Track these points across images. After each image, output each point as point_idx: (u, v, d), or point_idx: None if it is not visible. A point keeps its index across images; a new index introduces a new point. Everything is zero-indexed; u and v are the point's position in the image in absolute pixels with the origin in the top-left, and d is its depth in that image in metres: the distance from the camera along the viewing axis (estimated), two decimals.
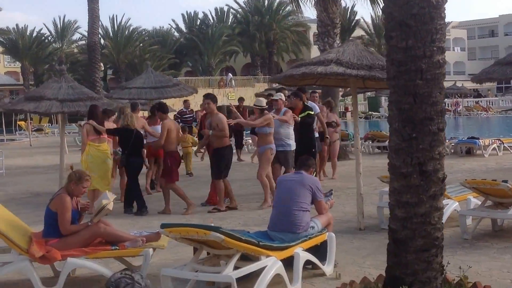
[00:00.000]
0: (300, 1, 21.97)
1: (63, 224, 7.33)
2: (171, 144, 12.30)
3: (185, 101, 22.95)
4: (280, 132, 12.51)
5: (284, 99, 13.27)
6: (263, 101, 12.72)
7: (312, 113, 13.50)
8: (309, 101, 14.59)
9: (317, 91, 14.48)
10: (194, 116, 22.79)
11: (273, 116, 12.41)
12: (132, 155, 12.53)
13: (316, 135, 14.29)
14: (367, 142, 23.12)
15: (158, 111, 13.15)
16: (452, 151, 21.50)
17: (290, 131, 12.65)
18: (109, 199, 7.53)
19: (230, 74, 65.55)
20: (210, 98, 12.18)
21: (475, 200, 10.30)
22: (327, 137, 15.29)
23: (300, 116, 13.17)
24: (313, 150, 13.20)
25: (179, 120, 20.67)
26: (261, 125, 12.37)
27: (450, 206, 9.71)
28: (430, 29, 6.07)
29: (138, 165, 12.73)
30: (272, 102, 13.39)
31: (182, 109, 22.81)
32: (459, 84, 53.14)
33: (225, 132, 12.00)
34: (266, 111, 12.46)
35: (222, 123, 11.95)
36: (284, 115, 12.59)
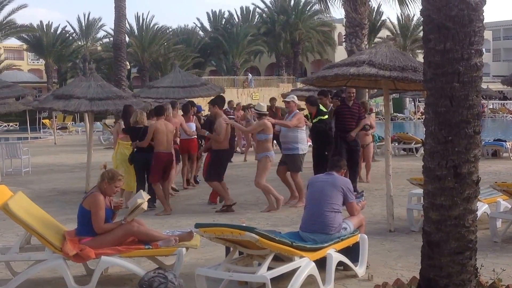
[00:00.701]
0: (328, 1, 21.89)
1: (97, 223, 7.38)
2: (158, 145, 12.30)
3: (229, 102, 23.09)
4: (288, 136, 12.37)
5: (297, 101, 12.94)
6: (264, 106, 12.63)
7: (325, 117, 13.18)
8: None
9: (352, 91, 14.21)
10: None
11: (268, 120, 12.23)
12: (138, 151, 12.52)
13: None
14: (393, 144, 22.99)
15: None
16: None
17: (300, 134, 12.39)
18: (144, 198, 7.57)
19: (250, 75, 65.36)
20: (212, 102, 12.42)
21: (504, 203, 10.27)
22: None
23: (313, 121, 13.12)
24: (327, 154, 12.95)
25: None
26: (254, 131, 12.40)
27: (480, 208, 9.64)
28: (468, 32, 6.04)
29: (143, 161, 12.59)
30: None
31: (226, 109, 22.88)
32: (484, 86, 52.63)
33: (220, 137, 12.05)
34: (266, 117, 12.30)
35: (220, 127, 12.06)
36: (293, 118, 12.40)
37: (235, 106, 23.05)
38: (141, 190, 8.08)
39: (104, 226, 7.42)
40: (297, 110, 12.71)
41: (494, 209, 10.12)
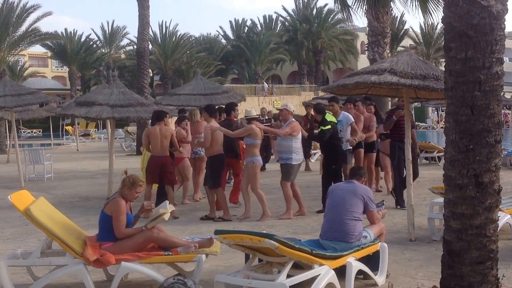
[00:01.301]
0: (351, 10, 21.90)
1: (118, 228, 7.43)
2: (152, 149, 12.88)
3: (262, 108, 23.23)
4: (282, 145, 12.20)
5: (292, 110, 12.53)
6: (252, 111, 12.65)
7: (326, 128, 12.72)
8: (342, 111, 14.11)
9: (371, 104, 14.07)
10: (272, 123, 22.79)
11: (256, 125, 12.20)
12: None
13: (348, 147, 13.68)
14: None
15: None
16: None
17: (294, 143, 12.11)
18: (167, 209, 7.62)
19: (265, 83, 64.97)
20: (204, 108, 12.90)
21: None
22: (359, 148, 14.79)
23: (319, 130, 12.99)
24: (333, 164, 12.80)
25: None
26: (239, 135, 12.45)
27: (502, 218, 9.55)
28: (490, 40, 6.04)
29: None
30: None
31: (259, 116, 22.90)
32: (508, 95, 52.33)
33: (205, 142, 12.26)
34: (255, 122, 12.33)
35: (205, 132, 12.28)
36: (287, 126, 12.19)
37: (266, 113, 23.02)
38: (167, 201, 8.13)
39: (125, 231, 7.46)
40: (293, 119, 12.45)
41: None
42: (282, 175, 12.29)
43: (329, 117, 12.94)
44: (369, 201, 7.64)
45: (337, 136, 13.06)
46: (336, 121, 13.07)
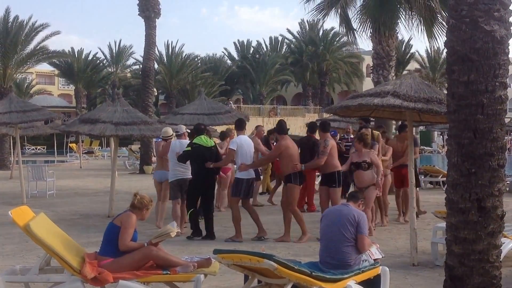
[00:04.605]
0: (356, 33, 21.98)
1: (123, 239, 7.43)
2: None
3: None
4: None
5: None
6: (168, 131, 13.61)
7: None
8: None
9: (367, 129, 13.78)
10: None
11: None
12: None
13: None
14: (419, 177, 22.81)
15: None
16: (508, 189, 21.06)
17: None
18: (174, 229, 7.71)
19: (230, 103, 61.76)
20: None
21: None
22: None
23: None
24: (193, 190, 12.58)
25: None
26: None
27: (507, 244, 9.47)
28: (493, 64, 6.04)
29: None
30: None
31: None
32: None
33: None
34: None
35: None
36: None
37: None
38: (174, 222, 8.27)
39: (128, 243, 7.46)
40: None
41: None
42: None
43: (198, 139, 12.55)
44: (362, 225, 7.38)
45: (202, 159, 12.38)
46: (208, 145, 12.56)
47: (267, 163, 14.23)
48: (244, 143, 12.21)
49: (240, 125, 12.86)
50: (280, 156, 11.97)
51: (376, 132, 14.10)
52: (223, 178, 15.48)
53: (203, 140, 12.53)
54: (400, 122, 14.83)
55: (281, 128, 12.13)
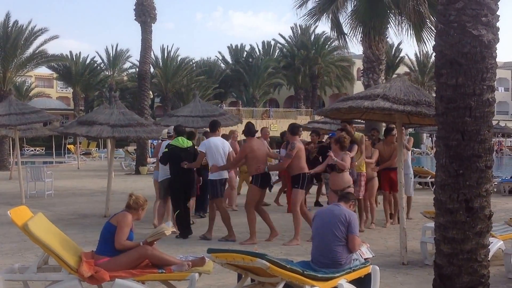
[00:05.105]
0: (347, 37, 22.15)
1: (120, 238, 7.56)
2: None
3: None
4: None
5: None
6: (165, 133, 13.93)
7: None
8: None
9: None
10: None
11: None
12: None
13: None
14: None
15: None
16: (495, 190, 21.24)
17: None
18: (169, 229, 7.85)
19: (223, 105, 62.04)
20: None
21: None
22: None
23: None
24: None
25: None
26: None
27: (495, 244, 9.60)
28: (481, 68, 6.15)
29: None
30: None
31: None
32: (502, 123, 52.43)
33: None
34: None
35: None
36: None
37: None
38: (170, 221, 8.38)
39: (124, 242, 7.58)
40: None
41: (510, 245, 10.07)
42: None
43: (175, 141, 12.86)
44: (353, 225, 7.45)
45: (177, 160, 12.61)
46: (184, 146, 12.79)
47: (235, 166, 14.26)
48: (213, 145, 12.41)
49: (212, 127, 13.11)
50: (246, 158, 12.15)
51: (359, 134, 14.05)
52: (230, 178, 15.42)
53: (179, 141, 12.80)
54: (385, 126, 14.85)
55: (248, 130, 12.26)
